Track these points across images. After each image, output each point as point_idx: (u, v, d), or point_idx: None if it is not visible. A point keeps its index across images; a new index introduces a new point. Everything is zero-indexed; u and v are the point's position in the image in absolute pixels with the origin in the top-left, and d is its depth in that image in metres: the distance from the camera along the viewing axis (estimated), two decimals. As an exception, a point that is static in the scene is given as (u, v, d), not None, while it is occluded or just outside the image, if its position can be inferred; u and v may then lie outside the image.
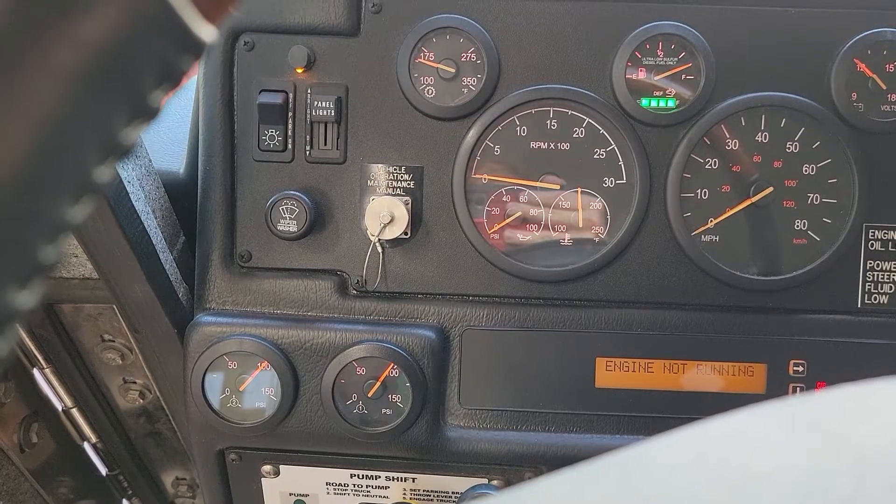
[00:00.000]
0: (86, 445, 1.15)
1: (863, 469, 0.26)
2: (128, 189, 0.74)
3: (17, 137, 0.21)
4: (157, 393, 1.06)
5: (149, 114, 0.23)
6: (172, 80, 0.23)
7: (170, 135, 1.02)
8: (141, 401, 1.10)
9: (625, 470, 0.29)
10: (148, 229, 0.78)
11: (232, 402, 0.85)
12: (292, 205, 0.84)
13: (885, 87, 0.84)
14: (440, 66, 0.86)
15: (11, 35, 0.20)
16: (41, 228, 0.22)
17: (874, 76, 0.84)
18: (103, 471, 1.19)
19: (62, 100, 0.21)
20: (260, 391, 0.85)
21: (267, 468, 0.91)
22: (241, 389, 0.85)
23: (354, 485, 0.91)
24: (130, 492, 1.23)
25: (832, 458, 0.27)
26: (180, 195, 0.91)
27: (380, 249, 0.87)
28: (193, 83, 0.95)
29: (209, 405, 0.85)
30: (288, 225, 0.85)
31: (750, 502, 0.26)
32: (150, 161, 0.85)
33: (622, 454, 0.30)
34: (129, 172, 0.76)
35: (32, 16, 0.20)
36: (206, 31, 0.23)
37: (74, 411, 1.09)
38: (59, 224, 0.23)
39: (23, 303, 0.23)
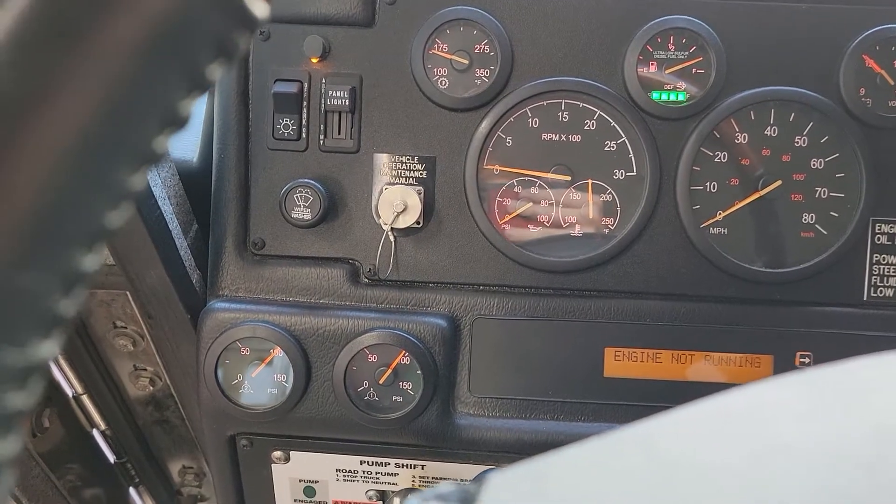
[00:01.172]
0: (95, 432, 1.16)
1: (883, 436, 0.27)
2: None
3: (85, 105, 0.22)
4: (168, 380, 1.07)
5: (204, 86, 0.24)
6: (227, 54, 0.24)
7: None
8: (151, 388, 1.11)
9: (648, 440, 0.30)
10: (165, 215, 0.79)
11: (244, 388, 0.86)
12: (306, 193, 0.85)
13: (893, 83, 0.85)
14: (454, 57, 0.87)
15: (78, 7, 0.21)
16: (107, 193, 0.23)
17: (882, 72, 0.85)
18: (111, 458, 1.20)
19: (125, 70, 0.22)
20: (272, 377, 0.86)
21: (277, 454, 0.92)
22: (253, 375, 0.86)
23: (364, 471, 0.92)
24: (137, 480, 1.24)
25: (853, 426, 0.27)
26: (194, 183, 0.92)
27: (392, 238, 0.88)
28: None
29: (221, 391, 0.86)
30: (302, 213, 0.85)
31: (772, 470, 0.27)
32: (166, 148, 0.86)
33: (645, 424, 0.31)
34: (147, 158, 0.77)
35: None
36: (260, 7, 0.24)
37: (85, 398, 1.09)
38: (122, 191, 0.24)
39: (88, 266, 0.24)
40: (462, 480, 0.91)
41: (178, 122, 0.24)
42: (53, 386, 1.06)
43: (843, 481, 0.25)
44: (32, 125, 0.21)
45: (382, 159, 0.88)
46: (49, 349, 0.24)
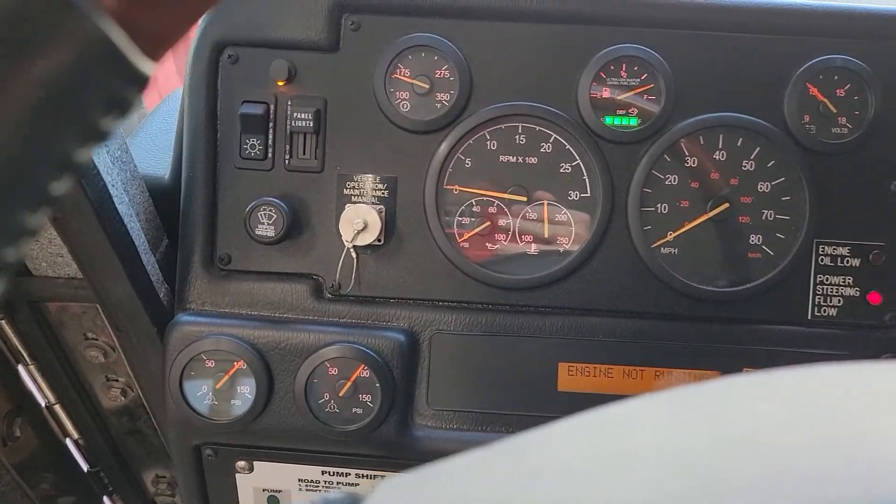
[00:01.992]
0: (68, 442, 1.18)
1: (721, 445, 0.30)
2: (111, 192, 0.78)
3: None
4: (139, 391, 1.10)
5: (100, 137, 0.27)
6: (120, 108, 0.27)
7: (157, 142, 1.06)
8: (122, 399, 1.14)
9: (520, 449, 0.33)
10: (130, 231, 0.82)
11: (209, 399, 0.89)
12: (270, 211, 0.88)
13: (835, 111, 0.89)
14: (415, 81, 0.90)
15: None
16: (4, 235, 0.26)
17: (825, 100, 0.89)
18: (84, 467, 1.22)
19: (18, 128, 0.25)
20: (236, 389, 0.89)
21: (241, 464, 0.94)
22: (217, 387, 0.88)
23: (325, 481, 0.95)
24: (111, 488, 1.26)
25: (691, 436, 0.30)
26: (165, 199, 0.95)
27: (354, 255, 0.91)
28: (179, 93, 0.99)
29: (186, 402, 0.88)
30: (266, 230, 0.88)
31: (620, 472, 0.30)
32: (136, 167, 0.89)
33: (524, 435, 0.34)
34: (113, 177, 0.80)
35: None
36: (148, 66, 0.27)
37: (57, 407, 1.12)
38: (20, 229, 0.26)
39: None
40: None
41: (75, 169, 0.27)
42: (25, 395, 1.08)
43: (679, 486, 0.28)
44: None
45: (345, 179, 0.91)
46: None
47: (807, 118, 0.89)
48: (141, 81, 0.27)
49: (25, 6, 0.23)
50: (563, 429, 0.33)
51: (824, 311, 0.91)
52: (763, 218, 0.90)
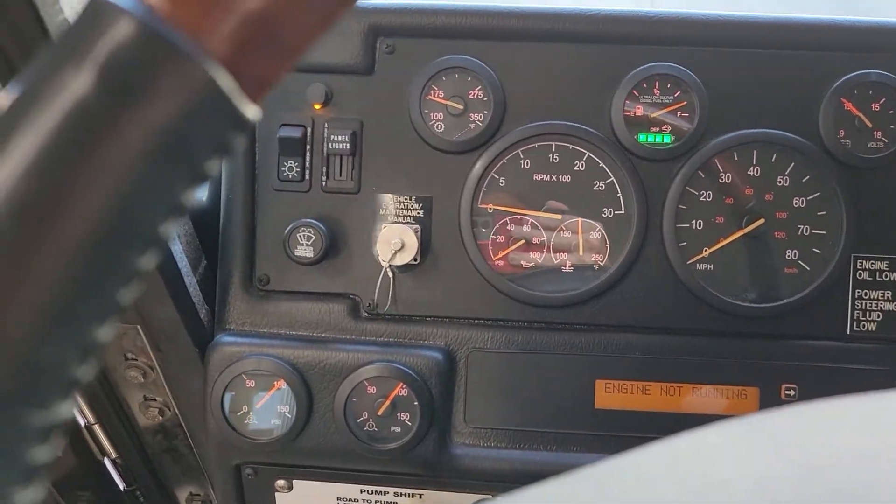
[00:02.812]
0: (105, 460, 1.20)
1: (805, 477, 0.30)
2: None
3: (100, 201, 0.26)
4: (176, 410, 1.11)
5: (204, 179, 0.28)
6: (225, 151, 0.28)
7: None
8: (160, 418, 1.15)
9: (600, 481, 0.33)
10: (174, 254, 0.84)
11: (249, 419, 0.90)
12: (309, 232, 0.90)
13: (870, 125, 0.89)
14: (449, 102, 0.91)
15: (95, 119, 0.25)
16: (118, 275, 0.27)
17: (860, 115, 0.89)
18: (121, 486, 1.23)
19: (135, 171, 0.26)
20: (276, 408, 0.90)
21: (281, 483, 0.95)
22: (258, 406, 0.89)
23: (364, 500, 0.95)
24: (147, 507, 1.27)
25: (784, 466, 0.31)
26: (203, 222, 0.97)
27: (390, 274, 0.92)
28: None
29: (227, 421, 0.89)
30: (304, 251, 0.90)
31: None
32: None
33: (600, 466, 0.34)
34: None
35: (112, 104, 0.25)
36: (252, 111, 0.28)
37: (96, 427, 1.13)
38: (133, 271, 0.27)
39: (102, 337, 0.28)
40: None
41: (181, 211, 0.28)
42: (67, 416, 1.09)
43: None
44: (53, 223, 0.25)
45: (381, 199, 0.92)
46: (67, 409, 0.27)
47: (842, 133, 0.89)
48: (245, 126, 0.28)
49: (140, 55, 0.25)
50: (643, 458, 0.33)
51: (863, 325, 0.90)
52: (799, 233, 0.90)
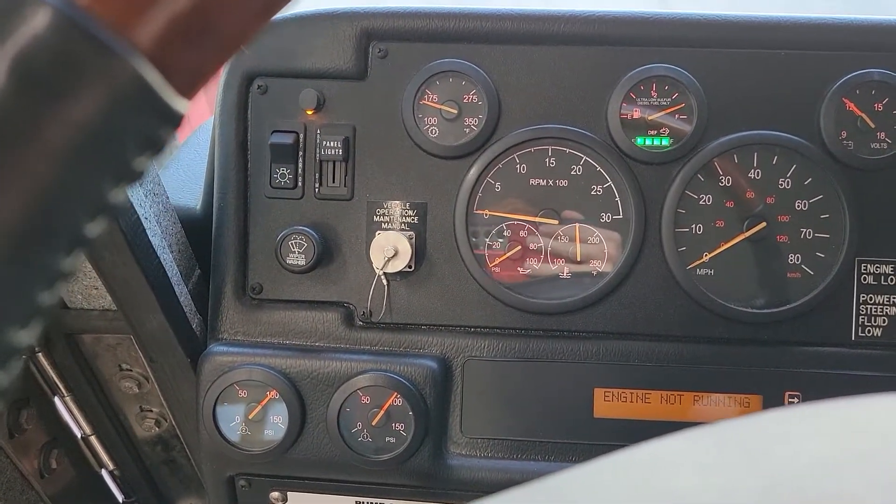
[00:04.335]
0: (103, 472, 1.19)
1: (774, 487, 0.29)
2: (145, 226, 0.79)
3: (17, 202, 0.25)
4: (172, 421, 1.10)
5: (134, 177, 0.27)
6: (154, 147, 0.27)
7: (188, 172, 1.07)
8: (157, 429, 1.14)
9: (561, 491, 0.31)
10: (164, 263, 0.83)
11: (242, 430, 0.88)
12: (301, 239, 0.88)
13: (873, 126, 0.87)
14: (443, 107, 0.90)
15: (10, 116, 0.24)
16: (40, 277, 0.26)
17: (863, 115, 0.87)
18: (120, 498, 1.22)
19: (55, 170, 0.24)
20: (269, 419, 0.88)
21: (275, 494, 0.94)
22: (250, 417, 0.88)
23: (360, 512, 0.93)
24: (146, 519, 1.26)
25: (749, 476, 0.29)
26: (197, 230, 0.96)
27: (385, 282, 0.90)
28: (210, 124, 1.00)
29: (220, 432, 0.88)
30: (297, 259, 0.88)
31: None
32: (168, 199, 0.90)
33: (560, 476, 0.32)
34: (146, 210, 0.81)
35: (29, 100, 0.24)
36: (182, 105, 0.27)
37: (93, 438, 1.12)
38: (56, 273, 0.26)
39: (22, 341, 0.27)
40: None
41: (109, 210, 0.27)
42: (61, 427, 1.09)
43: None
44: None
45: (375, 206, 0.91)
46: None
47: (844, 134, 0.87)
48: (175, 120, 0.27)
49: (62, 49, 0.23)
50: (607, 466, 0.32)
51: (868, 331, 0.88)
52: (802, 237, 0.88)
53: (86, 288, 0.90)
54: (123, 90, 0.25)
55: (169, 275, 0.84)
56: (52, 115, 0.24)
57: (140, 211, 0.78)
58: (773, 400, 0.88)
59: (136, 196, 0.78)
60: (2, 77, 0.23)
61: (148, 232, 0.80)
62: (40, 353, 0.98)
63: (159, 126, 0.26)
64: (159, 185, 0.87)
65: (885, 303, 0.88)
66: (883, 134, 0.87)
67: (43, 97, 0.24)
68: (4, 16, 0.23)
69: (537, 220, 0.90)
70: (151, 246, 0.80)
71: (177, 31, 0.25)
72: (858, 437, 0.30)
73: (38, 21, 0.23)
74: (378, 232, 0.90)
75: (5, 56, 0.23)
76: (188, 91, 0.27)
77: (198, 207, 1.00)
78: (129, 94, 0.25)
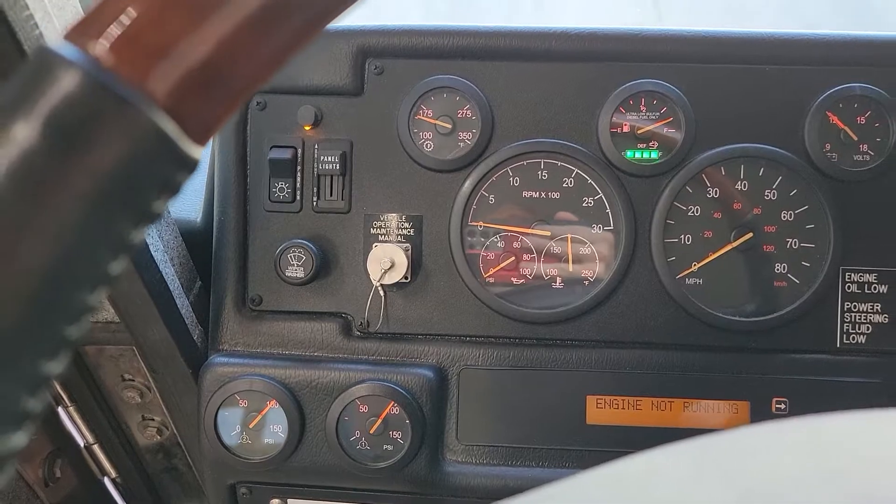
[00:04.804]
0: (106, 480, 1.21)
1: (745, 499, 0.31)
2: (147, 241, 0.81)
3: (49, 244, 0.27)
4: (174, 430, 1.12)
5: (152, 218, 0.29)
6: (171, 190, 0.29)
7: (189, 186, 1.09)
8: (158, 437, 1.16)
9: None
10: (165, 277, 0.85)
11: (242, 439, 0.90)
12: (299, 252, 0.91)
13: (856, 139, 0.89)
14: (438, 122, 0.92)
15: (42, 167, 0.26)
16: (68, 313, 0.28)
17: (846, 128, 0.89)
18: (122, 505, 1.24)
19: (82, 214, 0.27)
20: (269, 428, 0.90)
21: (275, 502, 0.96)
22: (251, 426, 0.90)
23: (358, 518, 0.95)
24: (147, 526, 1.28)
25: (721, 491, 0.31)
26: (197, 242, 0.98)
27: (381, 293, 0.93)
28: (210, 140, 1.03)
29: (221, 441, 0.90)
30: (295, 271, 0.91)
31: None
32: (170, 213, 0.92)
33: (546, 490, 0.35)
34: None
35: (59, 151, 0.26)
36: (197, 151, 0.29)
37: (96, 447, 1.14)
38: (81, 308, 0.29)
39: (52, 370, 0.29)
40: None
41: (130, 249, 0.29)
42: (65, 436, 1.10)
43: None
44: (4, 266, 0.26)
45: (372, 219, 0.93)
46: (21, 439, 0.28)
47: (828, 146, 0.90)
48: (191, 165, 0.29)
49: (88, 106, 0.26)
50: (589, 481, 0.34)
51: (853, 338, 0.90)
52: (788, 246, 0.91)
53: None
54: (143, 141, 0.27)
55: (170, 288, 0.86)
56: (79, 165, 0.26)
57: (143, 227, 0.80)
58: (760, 406, 0.90)
59: (165, 209, 0.80)
60: (36, 133, 0.25)
61: (150, 247, 0.82)
62: (44, 365, 1.00)
63: (176, 171, 0.29)
64: (161, 200, 0.89)
65: (869, 310, 0.90)
66: (865, 146, 0.89)
67: (72, 149, 0.26)
68: (37, 75, 0.26)
69: (530, 231, 0.92)
70: (153, 260, 0.82)
71: (191, 86, 0.27)
72: (831, 454, 0.32)
73: (68, 81, 0.26)
74: (375, 244, 0.92)
75: (40, 114, 0.25)
76: (202, 138, 0.29)
77: (198, 220, 1.02)
78: (149, 144, 0.27)
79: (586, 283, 0.92)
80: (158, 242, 0.85)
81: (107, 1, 0.27)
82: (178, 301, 0.89)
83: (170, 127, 0.27)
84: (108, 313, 0.94)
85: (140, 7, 0.26)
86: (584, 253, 0.92)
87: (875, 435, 0.33)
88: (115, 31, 0.27)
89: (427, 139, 0.92)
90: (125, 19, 0.26)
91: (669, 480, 0.32)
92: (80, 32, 0.27)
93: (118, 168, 0.27)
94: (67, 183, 0.26)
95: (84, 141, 0.26)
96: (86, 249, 0.27)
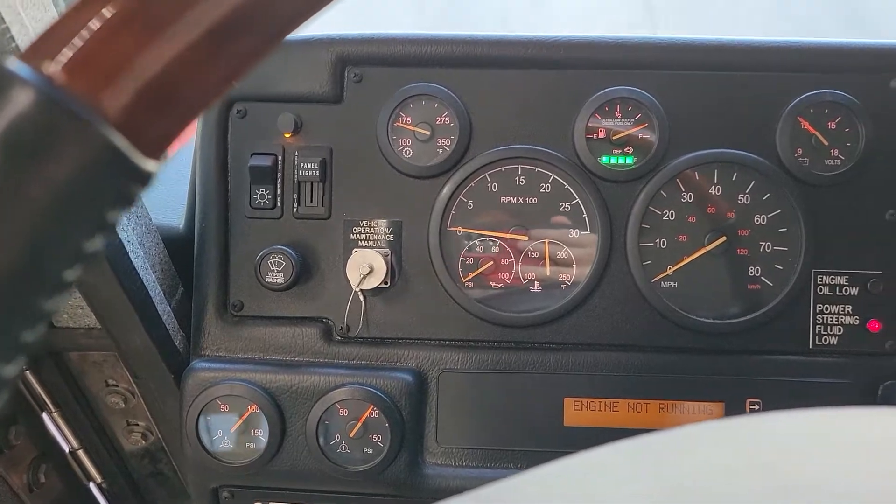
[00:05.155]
0: (91, 486, 1.21)
1: (675, 496, 0.32)
2: (127, 248, 0.82)
3: (3, 252, 0.28)
4: (159, 434, 1.13)
5: (107, 229, 0.30)
6: (126, 203, 0.31)
7: (172, 193, 1.10)
8: (143, 442, 1.17)
9: (492, 501, 0.35)
10: (146, 283, 0.86)
11: (224, 443, 0.91)
12: (279, 258, 0.92)
13: (826, 144, 0.91)
14: (416, 129, 0.93)
15: None
16: (23, 319, 0.29)
17: (817, 133, 0.91)
18: (108, 510, 1.24)
19: (37, 224, 0.28)
20: (250, 432, 0.91)
21: (258, 505, 0.97)
22: (232, 430, 0.91)
23: (340, 521, 0.96)
24: (134, 531, 1.29)
25: (655, 487, 0.33)
26: (180, 248, 0.99)
27: (361, 298, 0.94)
28: (193, 145, 1.04)
29: (203, 446, 0.91)
30: (275, 277, 0.92)
31: None
32: (151, 220, 0.93)
33: (494, 486, 0.36)
34: (129, 233, 0.84)
35: (15, 165, 0.27)
36: (151, 165, 0.30)
37: (80, 453, 1.15)
38: (38, 314, 0.30)
39: (8, 374, 0.30)
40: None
41: (85, 259, 0.30)
42: (49, 442, 1.11)
43: None
44: None
45: (352, 224, 0.95)
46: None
47: (800, 151, 0.91)
48: (145, 179, 0.30)
49: (43, 122, 0.27)
50: (532, 478, 0.35)
51: (825, 339, 0.92)
52: (761, 250, 0.92)
53: (71, 307, 0.93)
54: (96, 156, 0.28)
55: (151, 294, 0.87)
56: (34, 178, 0.27)
57: (122, 234, 0.82)
58: (734, 407, 0.91)
59: (120, 220, 0.82)
60: None
61: (130, 254, 0.83)
62: (28, 371, 1.01)
63: (130, 185, 0.30)
64: (142, 207, 0.90)
65: (840, 312, 0.92)
66: (836, 151, 0.91)
67: (27, 163, 0.27)
68: None
69: (508, 236, 0.94)
70: (134, 267, 0.83)
71: (144, 103, 0.29)
72: (761, 450, 0.34)
73: (22, 99, 0.27)
74: (355, 250, 0.93)
75: None
76: (156, 153, 0.30)
77: (181, 226, 1.03)
78: (101, 158, 0.28)
79: (564, 286, 0.94)
80: (139, 249, 0.86)
81: (61, 21, 0.28)
82: (159, 307, 0.90)
83: (122, 142, 0.28)
84: (90, 319, 0.95)
85: (93, 27, 0.28)
86: (561, 257, 0.94)
87: (802, 429, 0.34)
88: (68, 50, 0.28)
89: (406, 146, 0.94)
90: (78, 40, 0.28)
91: (606, 479, 0.34)
92: (35, 52, 0.28)
93: (71, 181, 0.28)
94: (22, 193, 0.27)
95: (38, 156, 0.27)
96: (42, 257, 0.28)
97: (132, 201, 0.30)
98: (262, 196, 0.95)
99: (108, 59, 0.28)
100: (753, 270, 0.92)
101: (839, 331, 0.92)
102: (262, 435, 0.91)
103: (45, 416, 1.09)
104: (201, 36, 0.29)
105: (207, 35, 0.29)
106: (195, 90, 0.29)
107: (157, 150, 0.30)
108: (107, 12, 0.27)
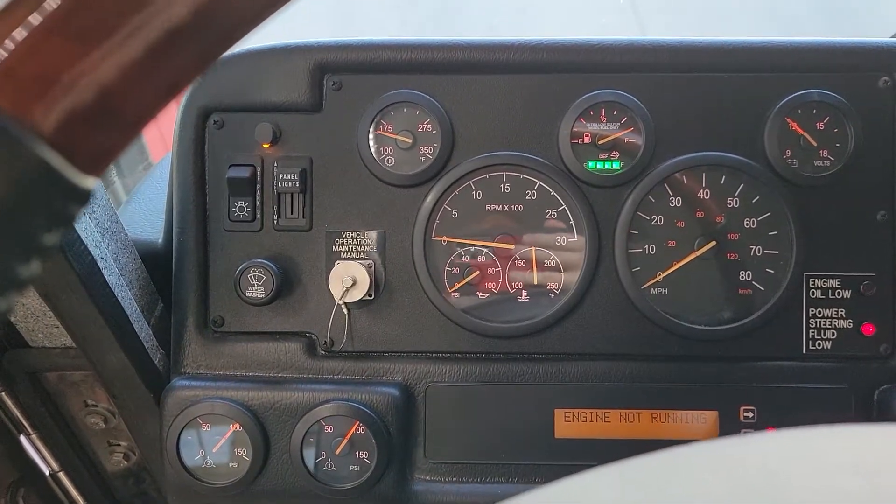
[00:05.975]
0: (73, 508, 1.18)
1: None
2: (101, 265, 0.79)
3: None
4: (141, 455, 1.10)
5: (45, 251, 0.28)
6: (63, 222, 0.28)
7: (150, 207, 1.08)
8: (125, 463, 1.14)
9: None
10: (122, 301, 0.83)
11: (206, 463, 0.89)
12: (259, 272, 0.89)
13: (815, 144, 0.89)
14: (398, 137, 0.91)
15: None
16: None
17: (805, 134, 0.89)
18: (91, 533, 1.21)
19: None
20: (233, 452, 0.89)
21: (242, 526, 0.94)
22: (214, 451, 0.88)
23: (327, 540, 0.94)
24: (119, 553, 1.26)
25: None
26: (159, 264, 0.96)
27: (345, 311, 0.91)
28: (169, 158, 1.01)
29: (184, 466, 0.89)
30: (255, 291, 0.89)
31: None
32: (127, 235, 0.90)
33: None
34: (102, 250, 0.82)
35: None
36: (88, 182, 0.28)
37: (61, 475, 1.12)
38: None
39: None
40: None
41: (20, 285, 0.28)
42: (28, 465, 1.08)
43: None
44: None
45: (334, 236, 0.92)
46: None
47: (788, 153, 0.90)
48: (82, 197, 0.28)
49: None
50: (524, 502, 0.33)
51: (819, 344, 0.90)
52: (751, 254, 0.90)
53: (47, 327, 0.90)
54: (28, 173, 0.26)
55: (128, 312, 0.85)
56: None
57: (95, 251, 0.79)
58: (728, 415, 0.89)
59: (92, 236, 0.79)
60: None
61: (104, 272, 0.80)
62: (3, 393, 0.98)
63: (66, 204, 0.28)
64: (117, 222, 0.88)
65: (834, 316, 0.90)
66: (825, 151, 0.89)
67: None
68: None
69: (494, 244, 0.92)
70: (108, 285, 0.80)
71: (78, 118, 0.27)
72: (748, 473, 0.32)
73: None
74: (337, 262, 0.91)
75: None
76: (94, 170, 0.28)
77: (160, 241, 1.00)
78: (34, 176, 0.26)
79: (552, 295, 0.92)
80: (114, 266, 0.84)
81: None
82: (136, 325, 0.87)
83: (56, 160, 0.26)
84: (66, 339, 0.92)
85: (16, 39, 0.25)
86: (548, 265, 0.92)
87: (789, 453, 0.33)
88: None
89: (388, 154, 0.92)
90: (1, 51, 0.25)
91: (595, 502, 0.32)
92: None
93: (4, 201, 0.26)
94: None
95: None
96: None
97: (70, 221, 0.28)
98: (241, 208, 0.92)
99: (35, 71, 0.26)
100: (744, 275, 0.91)
101: (833, 335, 0.90)
102: (246, 454, 0.88)
103: (22, 438, 1.06)
104: (138, 48, 0.27)
105: (144, 47, 0.27)
106: (134, 103, 0.27)
107: (95, 166, 0.28)
108: (33, 20, 0.25)
